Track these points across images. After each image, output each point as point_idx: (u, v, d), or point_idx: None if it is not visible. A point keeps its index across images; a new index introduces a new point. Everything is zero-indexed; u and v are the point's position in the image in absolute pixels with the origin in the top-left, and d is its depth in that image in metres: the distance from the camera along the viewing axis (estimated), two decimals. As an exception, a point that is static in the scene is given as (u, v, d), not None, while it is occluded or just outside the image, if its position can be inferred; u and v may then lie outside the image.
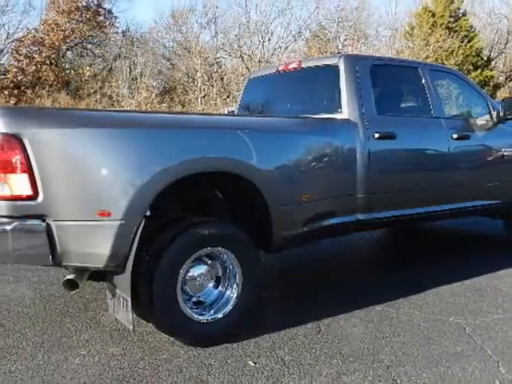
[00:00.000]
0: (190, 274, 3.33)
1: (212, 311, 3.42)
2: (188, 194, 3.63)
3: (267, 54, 32.18)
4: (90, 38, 32.96)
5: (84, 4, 32.82)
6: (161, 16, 35.01)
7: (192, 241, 3.26)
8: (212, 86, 29.90)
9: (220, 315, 3.41)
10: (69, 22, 31.63)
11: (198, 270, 3.39)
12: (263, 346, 3.36)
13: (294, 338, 3.48)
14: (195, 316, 3.31)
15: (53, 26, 31.30)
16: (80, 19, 32.13)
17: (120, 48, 32.64)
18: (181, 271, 3.20)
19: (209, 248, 3.33)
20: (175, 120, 3.72)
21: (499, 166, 5.33)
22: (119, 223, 2.97)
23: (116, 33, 34.82)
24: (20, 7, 33.87)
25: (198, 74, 29.83)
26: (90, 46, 33.40)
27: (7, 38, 32.12)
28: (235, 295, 3.45)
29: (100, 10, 33.68)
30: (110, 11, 34.31)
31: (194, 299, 3.40)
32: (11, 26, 32.20)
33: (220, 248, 3.37)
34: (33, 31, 31.81)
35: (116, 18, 34.91)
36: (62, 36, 31.32)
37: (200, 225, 3.34)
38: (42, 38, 31.04)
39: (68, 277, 3.13)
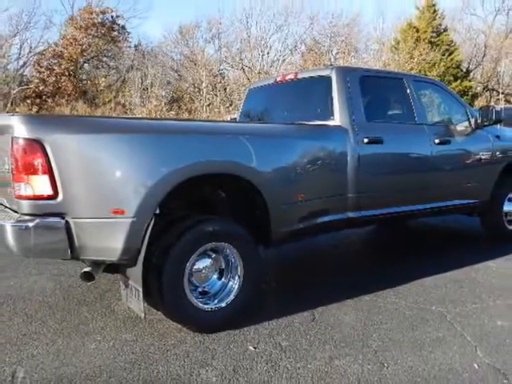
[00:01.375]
0: (195, 267, 3.31)
1: (216, 300, 3.41)
2: (193, 194, 3.62)
3: (266, 66, 32.19)
4: (105, 51, 33.00)
5: (100, 21, 32.89)
6: (169, 32, 35.06)
7: (198, 236, 3.25)
8: (216, 95, 29.91)
9: (223, 304, 3.40)
10: (86, 37, 31.69)
11: (203, 263, 3.37)
12: (262, 332, 3.35)
13: (290, 325, 3.47)
14: (200, 305, 3.30)
15: (71, 40, 31.35)
16: (96, 34, 32.18)
17: (132, 61, 32.63)
18: (187, 264, 3.19)
19: (213, 243, 3.32)
20: (183, 126, 3.71)
21: (476, 168, 5.32)
22: (131, 220, 2.96)
23: (129, 47, 34.93)
24: (41, 24, 33.92)
25: (203, 85, 29.83)
26: (105, 58, 33.45)
27: (30, 51, 32.17)
28: (237, 286, 3.44)
29: (114, 26, 33.74)
30: (123, 27, 34.41)
31: (200, 289, 3.38)
32: (33, 41, 32.29)
33: (223, 243, 3.37)
34: (53, 45, 31.88)
35: (129, 33, 35.05)
36: (79, 50, 31.37)
37: (205, 222, 3.33)
38: (61, 51, 31.08)
39: (85, 269, 3.13)
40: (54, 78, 30.24)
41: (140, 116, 22.62)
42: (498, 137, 5.56)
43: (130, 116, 22.89)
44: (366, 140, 4.28)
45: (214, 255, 3.42)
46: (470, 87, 31.32)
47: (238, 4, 48.82)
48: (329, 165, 4.09)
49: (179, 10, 58.21)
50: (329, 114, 4.38)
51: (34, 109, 28.54)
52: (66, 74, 30.99)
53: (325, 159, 4.06)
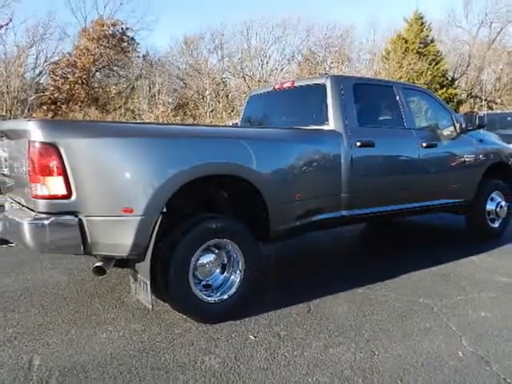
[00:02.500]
0: (200, 262, 3.31)
1: (219, 293, 3.40)
2: (198, 194, 3.61)
3: (265, 74, 32.18)
4: (115, 61, 32.88)
5: (111, 32, 32.85)
6: (175, 42, 34.95)
7: (201, 233, 3.25)
8: (219, 101, 29.88)
9: (225, 296, 3.39)
10: (98, 47, 31.63)
11: (207, 258, 3.37)
12: (262, 322, 3.35)
13: (288, 316, 3.47)
14: (204, 297, 3.30)
15: (84, 51, 31.32)
16: (107, 45, 32.14)
17: (141, 70, 32.55)
18: (192, 259, 3.19)
19: (216, 239, 3.32)
20: (187, 131, 3.71)
21: (461, 169, 5.31)
22: (140, 218, 2.96)
23: (137, 57, 34.83)
24: (56, 35, 33.89)
25: (207, 92, 29.79)
26: (115, 68, 33.35)
27: (45, 61, 32.06)
28: (238, 279, 3.44)
29: (124, 37, 33.72)
30: (132, 38, 34.41)
31: (204, 283, 3.38)
32: (49, 51, 32.15)
33: (225, 239, 3.36)
34: (67, 55, 31.82)
35: (138, 44, 35.02)
36: (91, 59, 31.33)
37: (208, 220, 3.32)
38: (74, 61, 31.05)
39: (97, 264, 3.13)
40: (67, 86, 30.23)
41: (148, 121, 22.60)
42: (481, 141, 5.57)
43: (139, 121, 22.87)
44: (358, 143, 4.28)
45: (217, 251, 3.42)
46: (455, 94, 31.29)
47: (239, 16, 48.74)
48: (324, 166, 4.08)
49: (184, 23, 58.25)
50: (324, 119, 4.37)
51: (50, 114, 28.51)
52: (79, 82, 30.98)
53: (320, 161, 4.05)
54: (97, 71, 32.91)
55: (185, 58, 34.06)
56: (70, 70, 31.06)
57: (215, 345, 3.00)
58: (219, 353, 2.89)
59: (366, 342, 3.04)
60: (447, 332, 3.19)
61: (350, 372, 2.68)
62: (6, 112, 23.81)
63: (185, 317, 3.35)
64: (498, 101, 31.43)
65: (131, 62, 33.62)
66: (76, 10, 39.00)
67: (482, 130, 5.76)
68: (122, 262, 3.29)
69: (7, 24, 28.97)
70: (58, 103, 30.07)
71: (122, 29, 33.52)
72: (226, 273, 3.47)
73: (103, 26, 32.27)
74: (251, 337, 3.12)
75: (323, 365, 2.76)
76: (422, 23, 31.23)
